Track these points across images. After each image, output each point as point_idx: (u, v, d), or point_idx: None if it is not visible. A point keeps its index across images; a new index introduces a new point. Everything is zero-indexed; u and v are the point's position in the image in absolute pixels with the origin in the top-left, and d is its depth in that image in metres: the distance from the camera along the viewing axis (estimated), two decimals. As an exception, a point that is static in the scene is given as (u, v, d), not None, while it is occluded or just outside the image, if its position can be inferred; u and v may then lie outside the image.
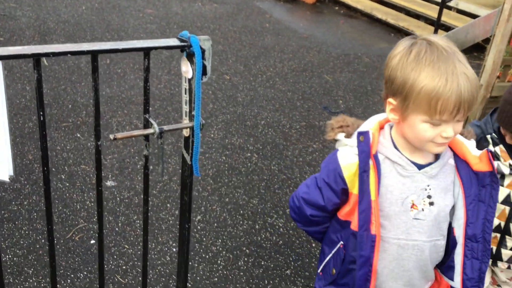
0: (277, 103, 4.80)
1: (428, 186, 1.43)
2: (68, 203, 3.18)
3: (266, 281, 2.76)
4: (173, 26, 6.58)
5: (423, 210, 1.43)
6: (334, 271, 1.56)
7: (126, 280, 2.68)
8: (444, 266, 1.53)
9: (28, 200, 3.17)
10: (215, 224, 3.16)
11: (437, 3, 6.90)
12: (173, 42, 1.51)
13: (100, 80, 4.81)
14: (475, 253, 1.43)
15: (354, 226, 1.48)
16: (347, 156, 1.47)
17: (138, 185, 3.43)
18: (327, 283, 1.60)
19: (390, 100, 1.39)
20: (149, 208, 3.20)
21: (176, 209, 3.22)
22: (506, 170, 1.94)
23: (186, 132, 1.68)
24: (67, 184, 3.36)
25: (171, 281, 2.70)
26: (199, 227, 3.12)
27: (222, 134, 4.17)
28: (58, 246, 2.85)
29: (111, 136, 1.48)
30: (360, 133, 1.44)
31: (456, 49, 1.33)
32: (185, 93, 1.63)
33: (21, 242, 2.85)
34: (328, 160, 1.54)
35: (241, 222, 3.20)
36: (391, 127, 1.49)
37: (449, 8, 7.30)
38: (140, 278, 2.66)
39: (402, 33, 7.20)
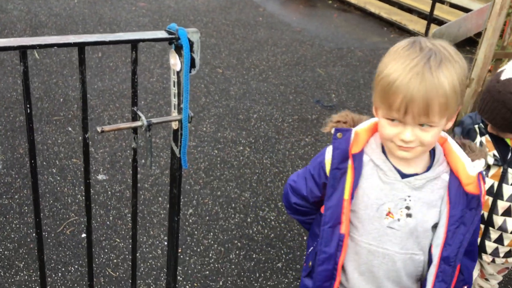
0: (269, 96, 4.80)
1: (408, 196, 1.35)
2: (59, 197, 3.17)
3: (257, 274, 2.77)
4: (165, 19, 6.55)
5: (398, 220, 1.36)
6: (310, 263, 1.56)
7: (117, 273, 2.68)
8: (422, 282, 1.46)
9: (19, 194, 3.16)
10: (207, 218, 3.16)
11: (430, -3, 6.90)
12: (161, 34, 1.51)
13: (92, 74, 4.79)
14: (445, 277, 1.36)
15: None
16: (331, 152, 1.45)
17: (129, 178, 3.42)
18: (305, 275, 1.59)
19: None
20: (141, 202, 3.20)
21: (168, 203, 3.21)
22: (490, 161, 1.95)
23: (175, 125, 1.68)
24: (58, 178, 3.35)
25: (162, 274, 2.70)
26: (190, 221, 3.12)
27: (215, 128, 4.17)
28: (49, 240, 2.84)
29: (99, 129, 1.47)
30: (338, 130, 1.40)
31: (450, 56, 1.22)
32: (174, 86, 1.62)
33: (12, 235, 2.85)
34: (319, 153, 1.54)
35: (232, 215, 3.20)
36: None
37: (442, 2, 7.31)
38: (131, 272, 2.66)
39: (395, 27, 7.21)
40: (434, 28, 6.54)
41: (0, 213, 2.99)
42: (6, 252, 2.74)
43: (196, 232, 3.03)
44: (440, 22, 6.81)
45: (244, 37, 6.29)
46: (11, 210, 3.03)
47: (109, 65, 5.06)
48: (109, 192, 3.27)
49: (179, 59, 1.57)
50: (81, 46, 1.42)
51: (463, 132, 2.07)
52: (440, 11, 7.00)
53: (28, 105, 1.41)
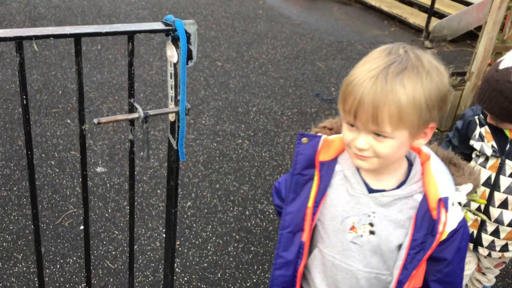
0: (269, 90, 4.79)
1: (373, 213, 1.27)
2: (57, 189, 3.18)
3: (255, 267, 2.78)
4: (165, 12, 6.53)
5: (361, 236, 1.29)
6: None
7: (116, 265, 2.69)
8: None
9: (18, 186, 3.17)
10: (206, 210, 3.16)
11: (431, -10, 6.87)
12: (158, 26, 1.50)
13: (91, 66, 4.78)
14: None
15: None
16: None
17: (128, 171, 3.42)
18: None
19: None
20: (139, 195, 3.21)
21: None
22: (488, 151, 1.95)
23: (172, 117, 1.67)
24: (57, 170, 3.35)
25: (160, 266, 2.71)
26: (189, 213, 3.12)
27: (214, 121, 4.16)
28: (47, 232, 2.85)
29: (95, 120, 1.47)
30: (303, 135, 1.34)
31: (421, 67, 1.12)
32: (171, 78, 1.62)
33: (11, 227, 2.85)
34: None
35: (231, 208, 3.21)
36: None
37: (443, -5, 7.27)
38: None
39: (396, 20, 7.19)
40: (434, 21, 6.52)
41: (-2, 205, 3.00)
42: (4, 244, 2.74)
43: (194, 225, 3.04)
44: (441, 16, 6.79)
45: (244, 30, 6.27)
46: (10, 202, 3.03)
47: (108, 57, 5.04)
48: (108, 185, 3.27)
49: (176, 50, 1.57)
50: (77, 37, 1.41)
51: (464, 125, 2.07)
52: (441, 5, 6.97)
53: (24, 96, 1.41)
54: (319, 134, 1.36)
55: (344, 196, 1.30)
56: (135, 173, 3.36)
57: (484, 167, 1.97)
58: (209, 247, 2.88)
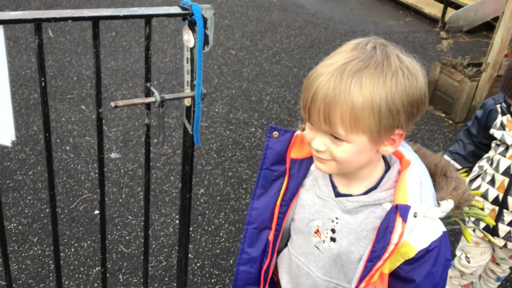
0: (282, 79, 4.78)
1: (336, 218, 1.18)
2: (72, 174, 3.21)
3: (267, 254, 2.79)
4: (179, 0, 6.52)
5: (324, 242, 1.21)
6: None
7: (130, 249, 2.72)
8: None
9: (33, 170, 3.20)
10: (218, 198, 3.18)
11: (447, -20, 6.79)
12: (175, 10, 1.50)
13: (106, 53, 4.80)
14: None
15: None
16: None
17: (142, 157, 3.44)
18: None
19: None
20: (153, 181, 3.23)
21: (180, 182, 3.23)
22: (509, 140, 1.93)
23: (187, 102, 1.68)
24: (72, 155, 3.38)
25: (173, 252, 2.73)
26: (202, 200, 3.14)
27: (227, 109, 4.17)
28: (62, 216, 2.88)
29: (112, 104, 1.48)
30: (274, 128, 1.24)
31: (387, 67, 1.00)
32: (187, 63, 1.62)
33: (26, 211, 2.89)
34: None
35: (243, 196, 3.22)
36: None
37: (460, -15, 7.18)
38: (143, 248, 2.69)
39: (411, 10, 7.11)
40: (450, 12, 6.44)
41: (14, 189, 3.03)
42: (20, 227, 2.78)
43: (207, 212, 3.05)
44: (457, 6, 6.70)
45: (257, 18, 6.25)
46: (25, 186, 3.07)
47: (122, 44, 5.06)
48: (122, 170, 3.30)
49: (193, 35, 1.57)
50: (95, 20, 1.42)
51: (484, 114, 2.06)
52: (458, -5, 6.88)
53: (42, 79, 1.42)
54: (293, 129, 1.25)
55: (313, 198, 1.22)
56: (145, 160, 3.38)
57: (504, 156, 1.95)
58: (221, 234, 2.90)
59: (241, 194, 3.23)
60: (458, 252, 2.29)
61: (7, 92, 1.36)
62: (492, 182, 2.00)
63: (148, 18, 1.49)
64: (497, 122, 1.98)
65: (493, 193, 1.98)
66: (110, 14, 1.41)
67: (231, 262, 2.71)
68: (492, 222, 1.47)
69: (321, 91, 1.00)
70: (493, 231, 2.05)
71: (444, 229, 1.14)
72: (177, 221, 2.93)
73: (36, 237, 2.73)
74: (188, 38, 1.58)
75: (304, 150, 1.23)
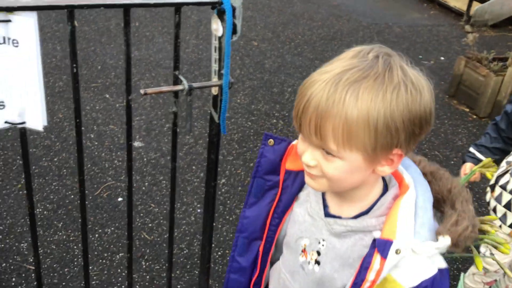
0: (304, 71, 4.77)
1: (323, 240, 1.08)
2: (96, 162, 3.25)
3: (288, 244, 2.81)
4: (202, -10, 6.53)
5: (309, 263, 1.12)
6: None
7: (152, 237, 2.75)
8: None
9: (58, 157, 3.25)
10: (239, 188, 3.19)
11: (473, -27, 6.68)
12: (205, -2, 1.51)
13: (129, 43, 4.84)
14: None
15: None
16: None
17: (164, 146, 3.48)
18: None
19: None
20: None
21: (202, 171, 3.26)
22: None
23: (214, 91, 1.69)
24: (96, 143, 3.43)
25: (195, 240, 2.76)
26: (223, 190, 3.16)
27: (249, 100, 4.18)
28: (86, 202, 2.91)
29: (142, 91, 1.50)
30: (269, 136, 1.16)
31: (389, 80, 0.89)
32: (215, 51, 1.63)
33: (51, 196, 2.94)
34: None
35: (265, 186, 3.23)
36: None
37: (486, -22, 7.06)
38: (165, 236, 2.73)
39: (436, 3, 7.02)
40: (476, 5, 6.34)
41: (40, 175, 3.09)
42: (45, 212, 2.83)
43: (228, 202, 3.07)
44: (482, 0, 6.60)
45: (280, 10, 6.24)
46: (50, 172, 3.13)
47: (145, 34, 5.09)
48: (145, 159, 3.34)
49: (221, 24, 1.58)
50: (126, 8, 1.43)
51: None
52: (484, -12, 6.77)
53: (74, 65, 1.45)
54: (290, 139, 1.17)
55: (304, 214, 1.13)
56: (171, 149, 3.41)
57: None
58: (242, 224, 2.92)
59: (262, 184, 3.24)
60: (483, 249, 2.27)
61: (40, 78, 1.39)
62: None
63: (178, 6, 1.50)
64: None
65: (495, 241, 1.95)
66: (141, 2, 1.43)
67: (252, 252, 2.73)
68: (507, 252, 1.36)
69: (313, 100, 0.90)
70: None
71: (442, 266, 1.00)
72: (199, 210, 2.96)
73: (61, 223, 2.78)
74: (217, 27, 1.59)
75: (294, 160, 1.15)
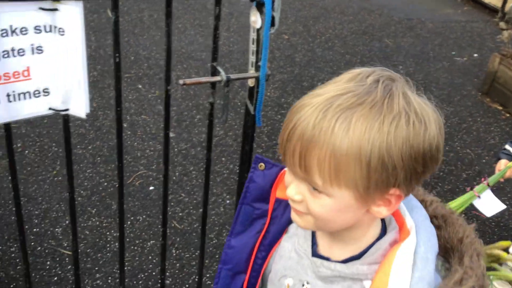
0: (335, 65, 4.75)
1: (307, 283, 0.95)
2: (129, 151, 3.31)
3: (316, 238, 2.82)
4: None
5: None
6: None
7: (182, 226, 2.80)
8: None
9: (92, 145, 3.33)
10: (268, 180, 3.21)
11: (510, -32, 6.53)
12: (245, -9, 1.53)
13: (162, 34, 4.90)
14: None
15: None
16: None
17: (195, 137, 3.52)
18: None
19: None
20: (205, 161, 3.29)
21: (231, 163, 3.29)
22: None
23: (251, 82, 1.71)
24: (129, 133, 3.49)
25: (224, 231, 2.79)
26: (252, 182, 3.19)
27: (279, 93, 4.19)
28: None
29: (181, 81, 1.53)
30: (260, 159, 1.03)
31: (387, 110, 0.76)
32: (253, 43, 1.65)
33: (85, 183, 3.01)
34: None
35: (294, 179, 3.25)
36: None
37: (523, -26, 6.90)
38: (195, 225, 2.77)
39: (470, -1, 6.90)
40: (511, 2, 6.21)
41: (74, 162, 3.16)
42: (79, 199, 2.90)
43: (257, 193, 3.10)
44: (519, -4, 6.45)
45: (311, 4, 6.21)
46: (85, 159, 3.20)
47: (178, 26, 5.14)
48: (176, 149, 3.38)
49: (260, 16, 1.59)
50: (169, -1, 1.46)
51: None
52: (520, -16, 6.62)
53: (117, 54, 1.48)
54: (282, 165, 1.00)
55: (291, 250, 1.00)
56: (201, 140, 3.46)
57: None
58: (271, 216, 2.94)
59: (291, 178, 3.26)
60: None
61: (84, 66, 1.43)
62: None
63: (218, -1, 1.52)
64: None
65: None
66: (183, -6, 1.45)
67: (280, 244, 2.76)
68: None
69: (299, 127, 0.78)
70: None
71: None
72: (228, 201, 3.00)
73: (94, 209, 2.84)
74: (255, 19, 1.61)
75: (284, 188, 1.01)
